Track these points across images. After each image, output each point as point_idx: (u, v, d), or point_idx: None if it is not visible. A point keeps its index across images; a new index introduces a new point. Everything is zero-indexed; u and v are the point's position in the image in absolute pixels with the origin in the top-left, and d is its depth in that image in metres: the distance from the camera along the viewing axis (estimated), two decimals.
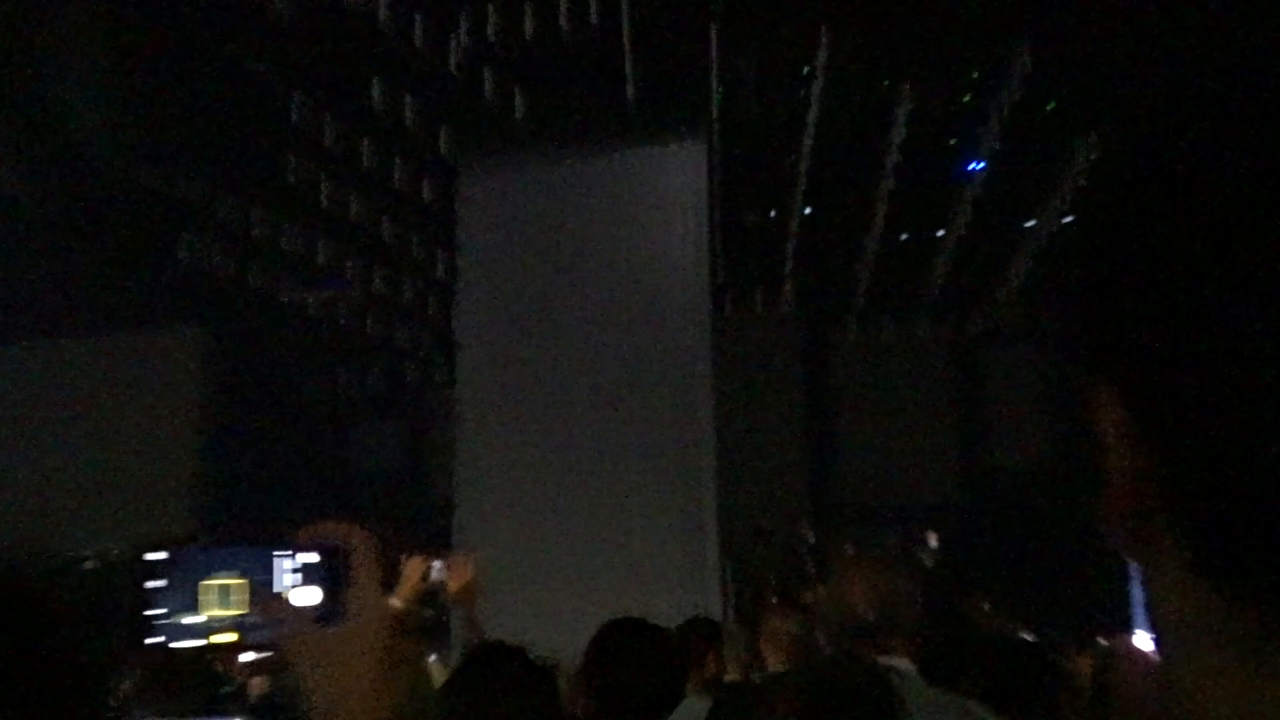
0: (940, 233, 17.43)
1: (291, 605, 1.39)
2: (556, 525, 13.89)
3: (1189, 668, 0.64)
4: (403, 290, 17.66)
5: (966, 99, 14.94)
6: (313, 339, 19.35)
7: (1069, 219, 15.40)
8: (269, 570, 1.44)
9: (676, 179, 14.94)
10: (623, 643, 3.60)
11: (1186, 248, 0.64)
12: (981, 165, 15.60)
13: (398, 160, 15.19)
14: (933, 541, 15.95)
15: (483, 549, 12.71)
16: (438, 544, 14.85)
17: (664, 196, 14.89)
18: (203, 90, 14.24)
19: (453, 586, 5.65)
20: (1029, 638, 12.33)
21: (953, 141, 15.75)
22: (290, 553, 1.44)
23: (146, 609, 1.44)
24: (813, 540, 16.29)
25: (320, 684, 1.34)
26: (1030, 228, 16.59)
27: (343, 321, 18.38)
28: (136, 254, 16.91)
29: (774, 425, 20.15)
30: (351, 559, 1.39)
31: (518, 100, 14.09)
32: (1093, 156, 13.55)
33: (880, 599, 3.11)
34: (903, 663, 3.11)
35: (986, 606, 14.87)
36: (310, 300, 18.12)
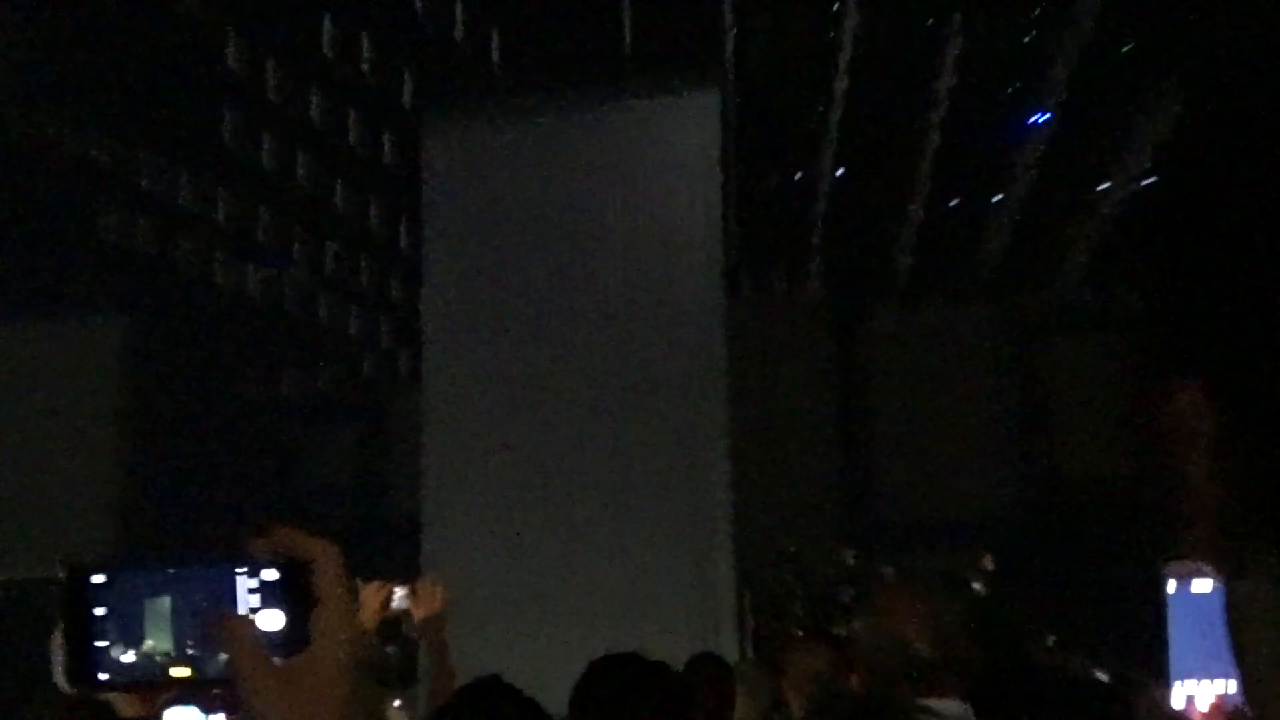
0: (996, 198, 17.46)
1: (257, 631, 1.39)
2: (540, 546, 13.95)
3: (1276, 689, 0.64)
4: (359, 270, 17.71)
5: (1027, 38, 14.95)
6: (253, 328, 19.40)
7: (1148, 181, 15.43)
8: (227, 591, 1.44)
9: (683, 136, 14.97)
10: (614, 684, 3.59)
11: None
12: (1045, 117, 15.61)
13: (352, 115, 15.22)
14: (987, 564, 15.97)
15: (453, 572, 12.72)
16: (401, 568, 14.86)
17: (669, 157, 14.93)
18: (124, 33, 14.23)
19: (418, 616, 5.69)
20: (1101, 676, 12.36)
21: (1011, 89, 15.76)
22: (247, 569, 1.44)
23: (91, 641, 1.43)
24: (847, 563, 16.32)
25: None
26: (1102, 191, 16.64)
27: (289, 307, 18.43)
28: (47, 228, 16.93)
29: (800, 428, 20.22)
30: (316, 575, 1.41)
31: (493, 43, 14.08)
32: (1176, 107, 13.56)
33: (930, 632, 3.14)
34: (954, 705, 3.14)
35: (1051, 640, 14.90)
36: (250, 282, 18.18)
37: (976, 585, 15.22)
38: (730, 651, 13.02)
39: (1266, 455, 0.63)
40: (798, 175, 17.55)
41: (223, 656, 1.41)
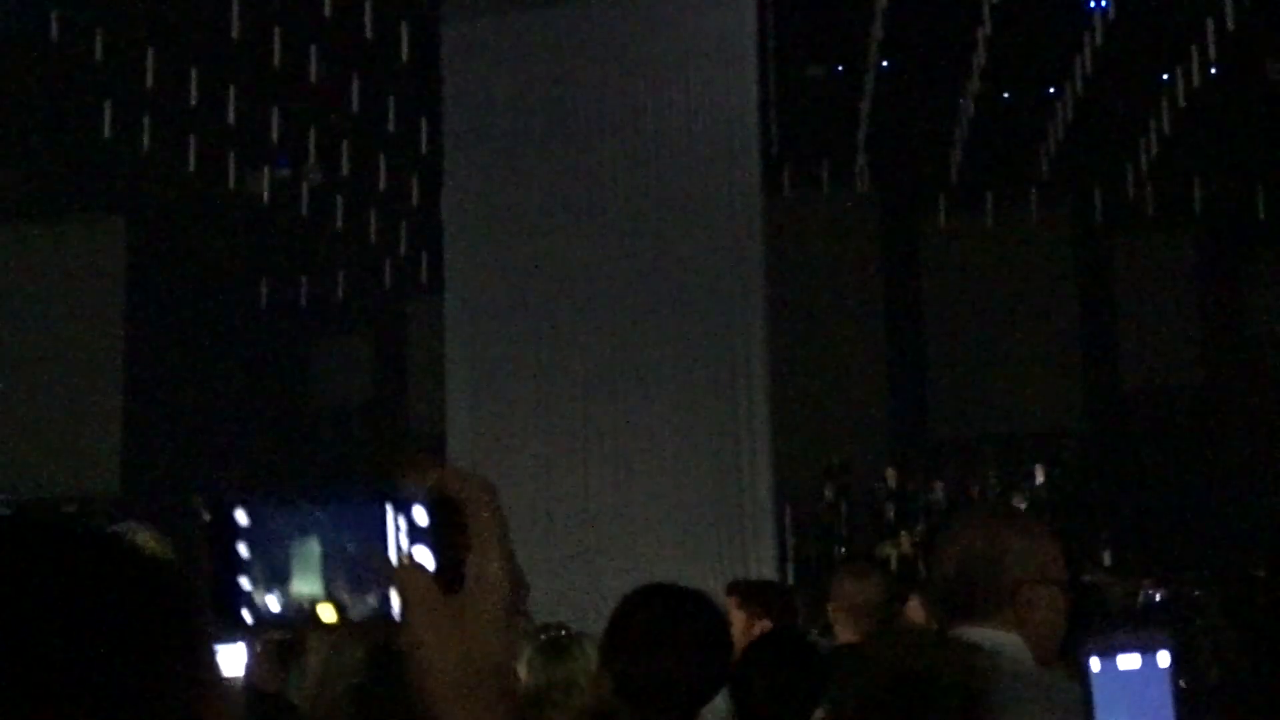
0: (1052, 90, 17.45)
1: (421, 572, 1.42)
2: (570, 463, 14.08)
3: None
4: (376, 172, 17.76)
5: None
6: (266, 233, 19.52)
7: (1215, 70, 15.44)
8: (376, 530, 1.45)
9: (717, 24, 14.94)
10: (651, 616, 3.69)
11: None
12: (1105, 3, 15.60)
13: (367, 8, 15.21)
14: (1039, 477, 16.16)
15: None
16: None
17: (701, 48, 14.91)
18: None
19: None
20: (1155, 595, 12.66)
21: None
22: (396, 507, 1.45)
23: (236, 580, 1.46)
24: (894, 482, 16.50)
25: (441, 666, 1.40)
26: (1166, 82, 16.60)
27: (302, 211, 18.51)
28: (48, 128, 17.12)
29: (845, 337, 20.26)
30: (469, 515, 1.42)
31: None
32: None
33: (1016, 559, 3.16)
34: (1012, 638, 3.21)
35: (1107, 558, 15.20)
36: (261, 184, 18.26)
37: (1020, 503, 15.39)
38: (769, 571, 13.25)
39: None
40: (840, 67, 17.57)
41: (371, 599, 1.43)
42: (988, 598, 3.17)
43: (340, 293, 20.16)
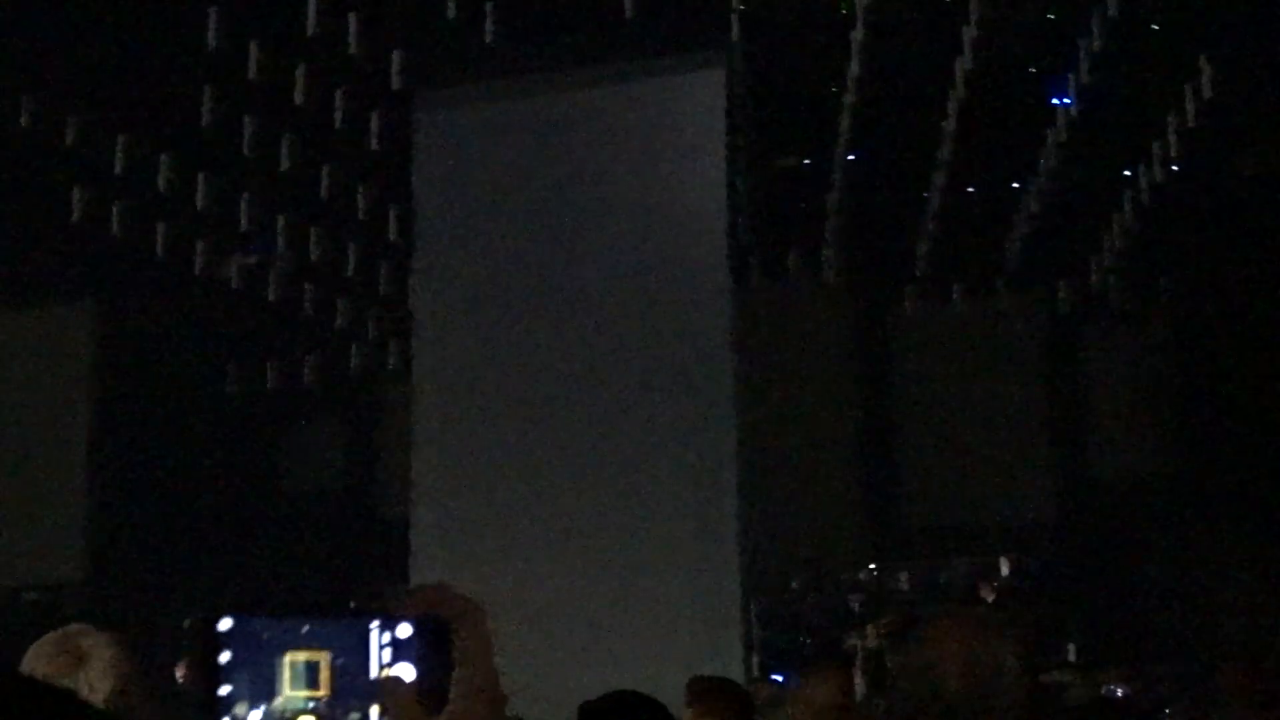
0: (1017, 185, 17.63)
1: (404, 686, 1.48)
2: (536, 553, 14.09)
3: None
4: (346, 257, 17.82)
5: (1051, 14, 15.15)
6: (234, 318, 19.54)
7: (1177, 167, 15.63)
8: (359, 645, 1.51)
9: (686, 118, 15.12)
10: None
11: None
12: (1069, 101, 15.81)
13: (339, 94, 15.34)
14: (1004, 569, 16.20)
15: (444, 577, 12.97)
16: (390, 573, 15.14)
17: (670, 141, 15.07)
18: (99, 8, 14.52)
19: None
20: (1119, 691, 12.68)
21: (1034, 70, 15.96)
22: (382, 625, 1.52)
23: (216, 688, 1.50)
24: (859, 573, 16.52)
25: None
26: (1130, 177, 16.77)
27: (271, 296, 18.54)
28: (15, 211, 17.17)
29: (815, 425, 20.32)
30: (458, 635, 1.51)
31: (488, 19, 14.26)
32: (1206, 92, 13.78)
33: (981, 673, 3.13)
34: None
35: (1072, 653, 15.23)
36: (231, 269, 18.33)
37: (987, 594, 15.43)
38: (735, 663, 13.27)
39: None
40: (807, 161, 17.74)
41: (355, 713, 1.50)
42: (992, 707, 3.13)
43: (307, 378, 20.15)
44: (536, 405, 14.70)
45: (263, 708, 1.51)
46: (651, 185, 15.08)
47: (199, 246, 17.16)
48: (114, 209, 16.36)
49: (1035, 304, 20.45)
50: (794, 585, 16.81)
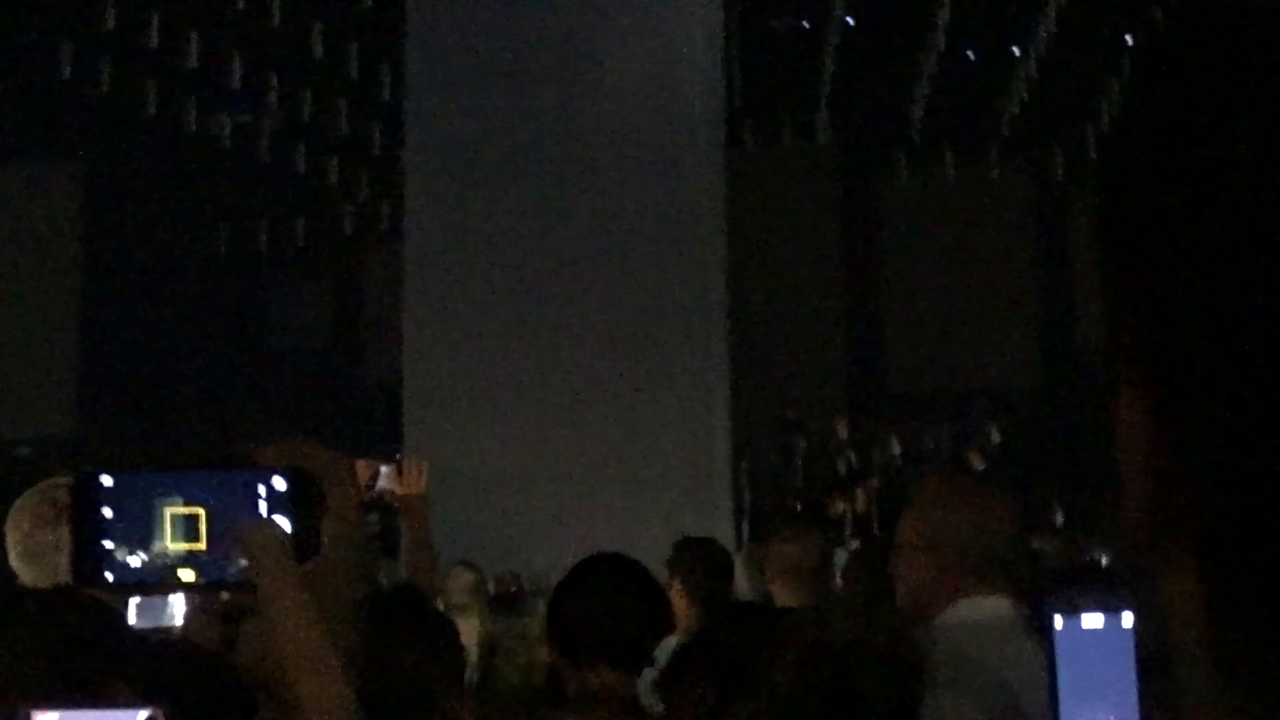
0: (1015, 51, 17.52)
1: (274, 532, 1.49)
2: (528, 416, 14.12)
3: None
4: (337, 117, 17.72)
5: None
6: (224, 177, 19.45)
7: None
8: (240, 497, 1.53)
9: None
10: (590, 584, 3.91)
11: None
12: None
13: None
14: (993, 437, 16.30)
15: (438, 447, 13.01)
16: (381, 438, 15.23)
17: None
18: None
19: (401, 494, 5.82)
20: (1103, 558, 12.83)
21: None
22: (257, 477, 1.53)
23: (99, 543, 1.53)
24: (841, 434, 16.59)
25: (291, 628, 1.47)
26: (1125, 44, 16.67)
27: (262, 156, 18.46)
28: (2, 70, 17.02)
29: (804, 290, 20.32)
30: (326, 485, 1.51)
31: None
32: None
33: (986, 535, 3.19)
34: (1003, 603, 3.26)
35: (1060, 518, 15.39)
36: (221, 127, 18.21)
37: (976, 462, 15.53)
38: (725, 525, 13.40)
39: (1197, 469, 0.65)
40: (804, 22, 17.59)
41: (236, 562, 1.51)
42: (992, 566, 3.20)
43: (299, 238, 20.10)
44: (529, 267, 14.64)
45: (147, 561, 1.54)
46: (646, 46, 14.96)
47: (189, 104, 17.03)
48: (102, 66, 16.22)
49: (1028, 172, 20.42)
50: (787, 448, 16.86)
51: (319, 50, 16.24)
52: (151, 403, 18.12)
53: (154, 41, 15.54)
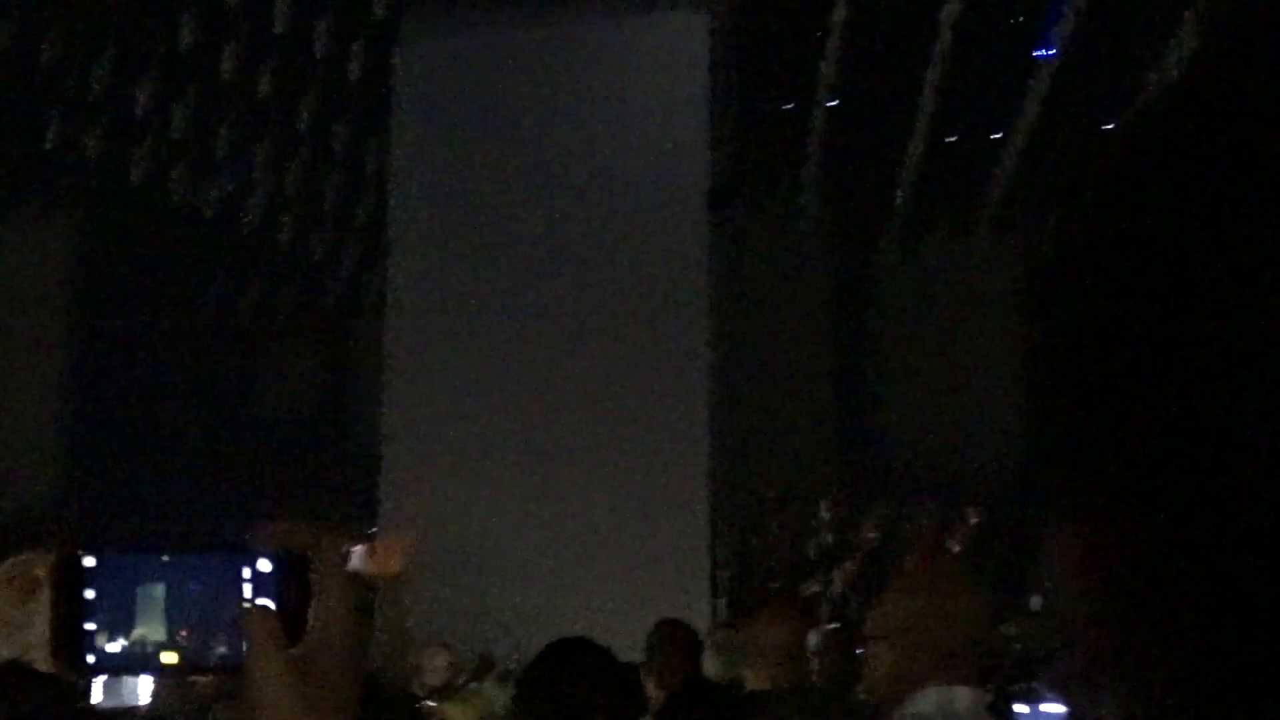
0: (997, 135, 17.62)
1: (267, 615, 1.48)
2: (504, 488, 14.10)
3: None
4: (323, 189, 17.75)
5: None
6: (209, 248, 19.46)
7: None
8: (225, 580, 1.52)
9: (670, 56, 15.04)
10: (558, 668, 3.90)
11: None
12: (1052, 51, 15.78)
13: (320, 24, 15.24)
14: (971, 518, 16.25)
15: (413, 513, 12.98)
16: (359, 508, 15.18)
17: (654, 77, 15.00)
18: None
19: (377, 574, 5.77)
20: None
21: (1017, 20, 15.92)
22: (242, 559, 1.51)
23: (81, 625, 1.51)
24: (823, 514, 16.53)
25: (274, 714, 1.44)
26: (1109, 128, 16.75)
27: (247, 227, 18.49)
28: None
29: (789, 366, 20.32)
30: (315, 567, 1.49)
31: None
32: (1188, 44, 13.77)
33: (955, 625, 3.25)
34: (967, 692, 3.27)
35: (1036, 604, 15.31)
36: (207, 199, 18.24)
37: (954, 544, 15.49)
38: (702, 604, 13.33)
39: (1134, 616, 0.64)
40: (791, 104, 17.67)
41: (219, 647, 1.50)
42: (958, 656, 3.22)
43: (284, 309, 20.09)
44: (510, 340, 14.68)
45: (129, 643, 1.52)
46: (634, 123, 15.03)
47: (175, 173, 17.07)
48: (90, 134, 16.26)
49: (1013, 247, 20.45)
50: (761, 527, 16.81)
51: (305, 122, 16.30)
52: (135, 469, 18.06)
53: (140, 109, 15.59)
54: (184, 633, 1.51)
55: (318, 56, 15.29)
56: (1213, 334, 0.60)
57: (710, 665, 7.31)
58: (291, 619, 1.48)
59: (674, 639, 6.59)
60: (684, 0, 15.09)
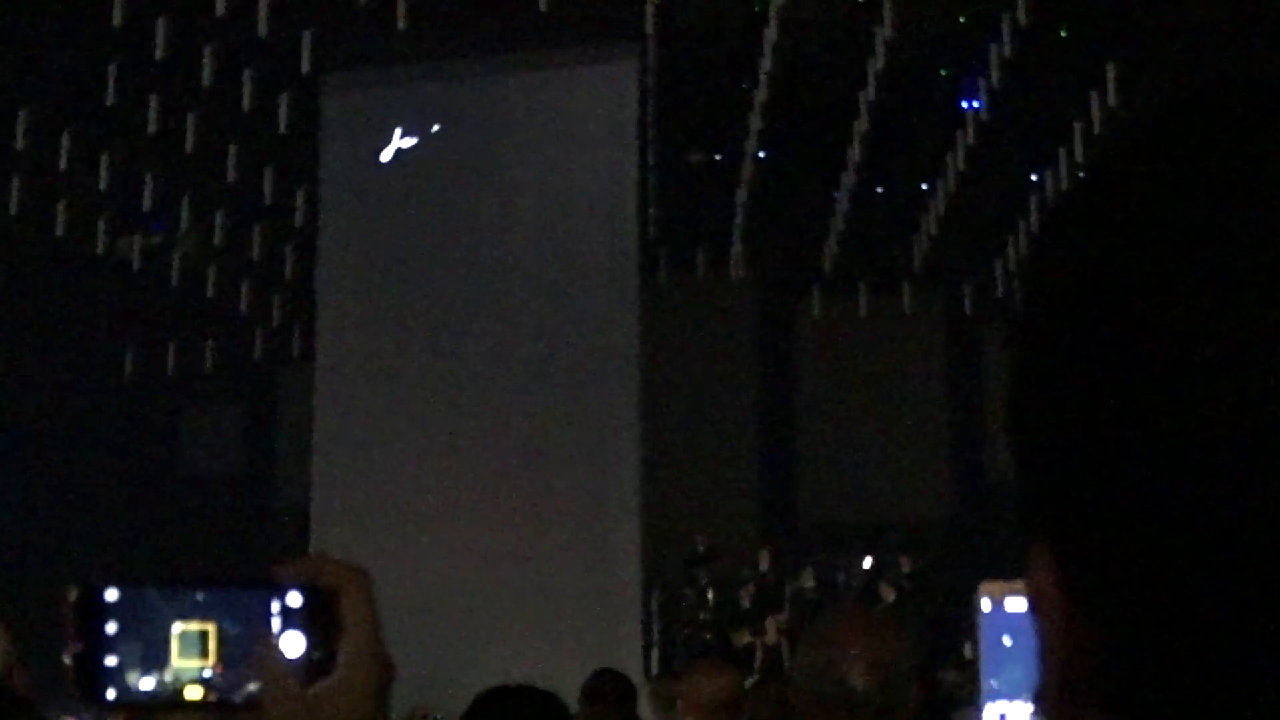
0: (925, 186, 17.74)
1: (282, 656, 1.45)
2: (436, 540, 14.03)
3: None
4: (250, 241, 17.67)
5: (962, 19, 15.26)
6: (135, 300, 19.28)
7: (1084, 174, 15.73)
8: (252, 615, 1.49)
9: (599, 107, 15.08)
10: (494, 717, 3.85)
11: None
12: (979, 104, 15.92)
13: (247, 75, 15.18)
14: (903, 568, 16.27)
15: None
16: (287, 559, 15.01)
17: (582, 129, 15.02)
18: None
19: None
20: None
21: (944, 73, 16.07)
22: (271, 594, 1.48)
23: (102, 659, 1.48)
24: (759, 566, 16.49)
25: None
26: (1036, 181, 16.92)
27: (173, 279, 18.36)
28: None
29: (718, 421, 20.34)
30: (343, 602, 1.46)
31: (400, 4, 14.15)
32: (1112, 98, 13.94)
33: (884, 671, 3.16)
34: None
35: (967, 651, 15.28)
36: (131, 251, 18.10)
37: (887, 594, 15.48)
38: (634, 656, 13.25)
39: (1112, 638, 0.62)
40: (718, 156, 17.74)
41: (248, 684, 1.47)
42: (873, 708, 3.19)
43: (209, 362, 19.96)
44: (439, 395, 14.62)
45: (153, 679, 1.48)
46: (561, 176, 15.04)
47: (100, 226, 16.92)
48: (11, 186, 16.10)
49: (939, 306, 20.60)
50: (692, 580, 16.75)
51: (232, 174, 16.21)
52: (57, 526, 17.79)
53: (64, 162, 15.45)
54: (213, 668, 1.49)
55: (245, 109, 15.19)
56: (1142, 382, 0.61)
57: (646, 716, 7.28)
58: (321, 653, 1.46)
59: (609, 689, 6.64)
60: (612, 54, 15.12)
